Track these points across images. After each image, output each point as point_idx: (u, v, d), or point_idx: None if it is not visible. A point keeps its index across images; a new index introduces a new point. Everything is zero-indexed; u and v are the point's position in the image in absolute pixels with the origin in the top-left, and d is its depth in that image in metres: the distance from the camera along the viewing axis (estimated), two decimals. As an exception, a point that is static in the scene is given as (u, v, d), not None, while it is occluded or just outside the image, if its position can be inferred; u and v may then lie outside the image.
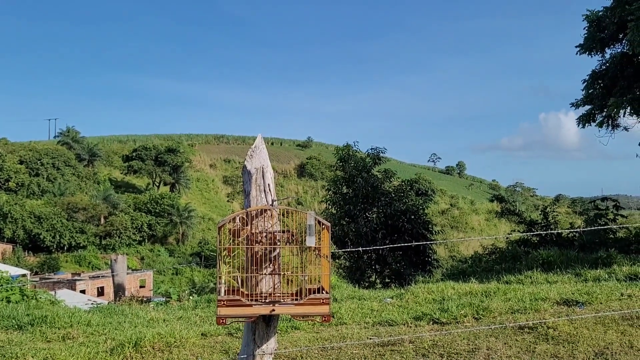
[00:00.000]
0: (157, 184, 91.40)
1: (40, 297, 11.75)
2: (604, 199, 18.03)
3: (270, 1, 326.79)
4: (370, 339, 6.01)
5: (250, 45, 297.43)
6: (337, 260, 20.23)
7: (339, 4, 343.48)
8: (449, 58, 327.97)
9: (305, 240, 3.02)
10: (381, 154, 21.71)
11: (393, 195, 20.43)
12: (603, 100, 16.36)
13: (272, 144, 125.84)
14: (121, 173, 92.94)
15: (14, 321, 7.48)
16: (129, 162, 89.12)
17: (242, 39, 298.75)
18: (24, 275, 42.19)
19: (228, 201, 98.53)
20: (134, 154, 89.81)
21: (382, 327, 6.67)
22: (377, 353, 5.62)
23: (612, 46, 16.69)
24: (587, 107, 17.18)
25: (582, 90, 17.18)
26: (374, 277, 19.24)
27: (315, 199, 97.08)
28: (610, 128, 17.01)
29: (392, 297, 8.49)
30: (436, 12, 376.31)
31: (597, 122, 17.00)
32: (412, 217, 19.54)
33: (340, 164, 21.57)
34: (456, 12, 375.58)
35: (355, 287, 11.49)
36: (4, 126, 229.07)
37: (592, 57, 16.95)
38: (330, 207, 20.90)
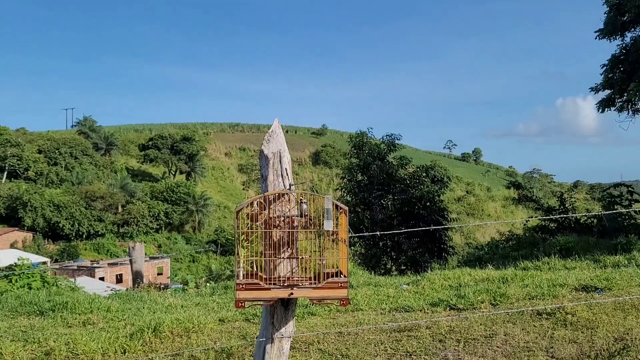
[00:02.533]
0: (173, 173, 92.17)
1: (61, 284, 11.94)
2: (617, 185, 17.79)
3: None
4: (387, 324, 6.02)
5: (264, 32, 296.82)
6: (352, 247, 20.23)
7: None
8: (463, 42, 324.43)
9: (322, 224, 3.02)
10: (396, 141, 21.55)
11: (408, 182, 20.32)
12: (623, 84, 16.08)
13: (287, 131, 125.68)
14: (138, 162, 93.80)
15: (35, 307, 7.61)
16: (145, 151, 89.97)
17: (255, 26, 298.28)
18: (44, 263, 42.95)
19: (243, 189, 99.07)
20: (150, 142, 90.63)
21: (398, 313, 6.67)
22: (394, 338, 5.63)
23: (632, 30, 16.36)
24: (607, 91, 16.90)
25: (602, 74, 16.90)
26: (389, 264, 19.22)
27: (330, 187, 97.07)
28: (630, 113, 16.74)
29: (408, 284, 8.47)
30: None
31: (616, 106, 16.73)
32: (428, 204, 19.42)
33: (355, 151, 21.49)
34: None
35: (371, 274, 11.49)
36: (23, 116, 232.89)
37: (611, 41, 16.65)
38: (345, 194, 20.86)
